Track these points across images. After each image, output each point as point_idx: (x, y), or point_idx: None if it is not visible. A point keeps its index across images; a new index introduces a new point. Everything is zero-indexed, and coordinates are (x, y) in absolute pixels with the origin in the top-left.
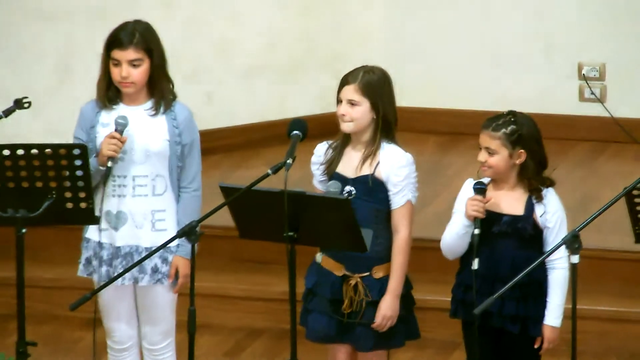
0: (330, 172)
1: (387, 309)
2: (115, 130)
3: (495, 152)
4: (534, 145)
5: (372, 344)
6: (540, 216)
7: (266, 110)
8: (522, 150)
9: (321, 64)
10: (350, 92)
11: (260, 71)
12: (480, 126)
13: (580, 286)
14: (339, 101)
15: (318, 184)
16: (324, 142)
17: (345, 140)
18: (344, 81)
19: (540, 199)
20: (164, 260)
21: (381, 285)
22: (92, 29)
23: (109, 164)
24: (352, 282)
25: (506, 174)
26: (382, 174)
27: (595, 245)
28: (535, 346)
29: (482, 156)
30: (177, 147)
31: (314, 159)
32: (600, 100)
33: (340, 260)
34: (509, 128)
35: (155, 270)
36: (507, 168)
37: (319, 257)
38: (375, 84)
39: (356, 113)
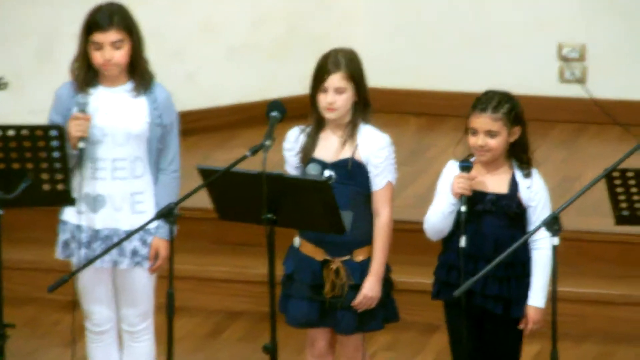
0: (307, 157)
1: (369, 290)
2: (78, 110)
3: (496, 134)
4: (524, 120)
5: (353, 327)
6: (527, 188)
7: (248, 91)
8: (518, 127)
9: (304, 45)
10: (338, 79)
11: (243, 52)
12: (471, 109)
13: (561, 268)
14: (322, 90)
15: (293, 169)
16: (295, 127)
17: (318, 125)
18: (325, 70)
19: (529, 174)
20: (144, 242)
21: (362, 269)
22: (75, 8)
23: (80, 144)
24: (334, 266)
25: (501, 154)
26: (361, 156)
27: (576, 227)
28: (520, 327)
29: (482, 140)
30: (157, 128)
31: (286, 145)
32: (581, 81)
33: (320, 245)
34: (506, 107)
35: (134, 253)
36: (504, 148)
37: (297, 241)
38: (357, 68)
39: (343, 100)
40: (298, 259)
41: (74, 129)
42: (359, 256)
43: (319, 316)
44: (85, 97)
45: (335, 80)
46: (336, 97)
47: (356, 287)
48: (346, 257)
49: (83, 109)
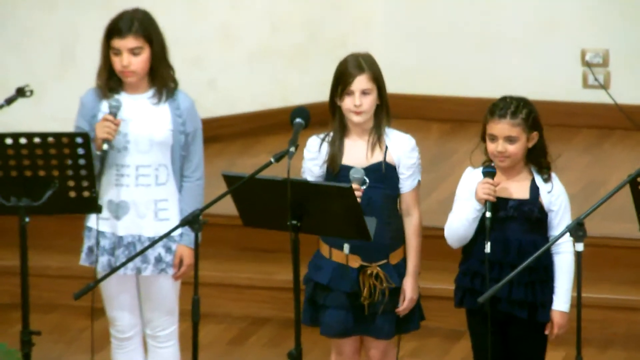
0: (336, 165)
1: (411, 291)
2: (109, 112)
3: (516, 140)
4: (541, 125)
5: (394, 330)
6: (548, 192)
7: (269, 98)
8: (536, 132)
9: (324, 51)
10: (364, 81)
11: (263, 57)
12: (489, 115)
13: (585, 274)
14: (348, 93)
15: (313, 178)
16: (314, 137)
17: (341, 132)
18: (349, 73)
19: (549, 178)
20: (168, 249)
21: (398, 271)
22: (96, 16)
23: (105, 146)
24: (371, 271)
25: (520, 160)
26: (393, 158)
27: (600, 233)
28: (546, 332)
29: (501, 146)
30: (181, 136)
31: (308, 155)
32: (604, 86)
33: (356, 252)
34: (524, 112)
35: (158, 260)
36: (524, 154)
37: (347, 248)
38: (379, 70)
39: (369, 102)
40: (332, 269)
41: (100, 130)
42: (394, 259)
43: (355, 324)
44: (118, 100)
45: (362, 82)
46: (363, 100)
47: (394, 290)
48: (383, 261)
49: (115, 112)
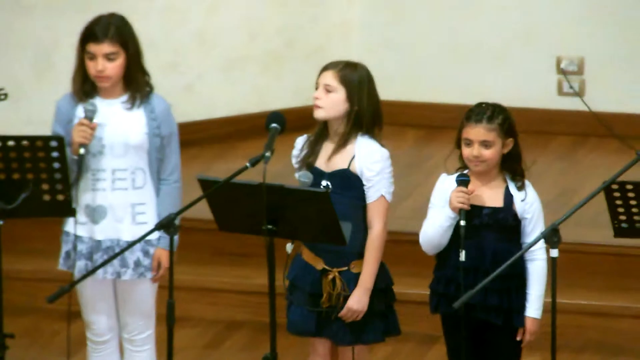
0: (309, 165)
1: (355, 302)
2: (85, 117)
3: (491, 145)
4: (517, 132)
5: (350, 338)
6: (522, 200)
7: (245, 103)
8: (511, 139)
9: (300, 57)
10: (329, 77)
11: (240, 63)
12: (465, 120)
13: (560, 280)
14: (316, 88)
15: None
16: (304, 135)
17: (321, 134)
18: (324, 68)
19: (522, 186)
20: (146, 253)
21: (356, 280)
22: (73, 19)
23: (81, 151)
24: (331, 276)
25: (495, 166)
26: (356, 167)
27: (575, 239)
28: (518, 338)
29: (477, 150)
30: (156, 139)
31: (294, 152)
32: (579, 94)
33: (320, 254)
34: (500, 117)
35: (137, 264)
36: (498, 159)
37: (289, 247)
38: (354, 75)
39: (329, 100)
40: (299, 266)
41: (77, 135)
42: (356, 267)
43: (316, 326)
44: (94, 104)
45: (326, 77)
46: (322, 95)
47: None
48: (344, 268)
49: (90, 116)
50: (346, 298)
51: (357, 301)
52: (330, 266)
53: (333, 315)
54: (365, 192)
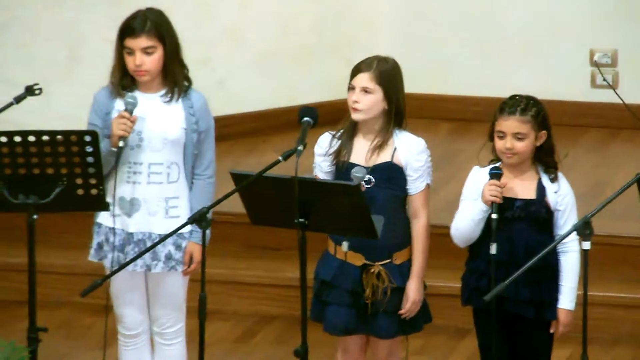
0: (343, 162)
1: (415, 293)
2: (125, 109)
3: (524, 137)
4: (550, 124)
5: (395, 330)
6: (555, 192)
7: (276, 97)
8: (545, 131)
9: (330, 51)
10: (365, 79)
11: (271, 58)
12: (498, 113)
13: (591, 272)
14: (350, 88)
15: (323, 175)
16: (326, 133)
17: (352, 129)
18: (357, 69)
19: (556, 178)
20: (178, 246)
21: (401, 271)
22: (103, 14)
23: (120, 143)
24: (374, 270)
25: (528, 158)
26: (401, 160)
27: (607, 231)
28: (551, 330)
29: (510, 142)
30: (194, 134)
31: (318, 150)
32: (612, 86)
33: (359, 250)
34: (533, 110)
35: (168, 257)
36: (531, 152)
37: (345, 246)
38: (389, 73)
39: (368, 101)
40: (336, 266)
41: (116, 127)
42: (398, 259)
43: (357, 323)
44: (135, 97)
45: (363, 80)
46: (361, 97)
47: (397, 290)
48: (386, 261)
49: (131, 109)
50: (392, 290)
51: (417, 291)
52: (372, 261)
53: (382, 308)
54: (410, 184)
